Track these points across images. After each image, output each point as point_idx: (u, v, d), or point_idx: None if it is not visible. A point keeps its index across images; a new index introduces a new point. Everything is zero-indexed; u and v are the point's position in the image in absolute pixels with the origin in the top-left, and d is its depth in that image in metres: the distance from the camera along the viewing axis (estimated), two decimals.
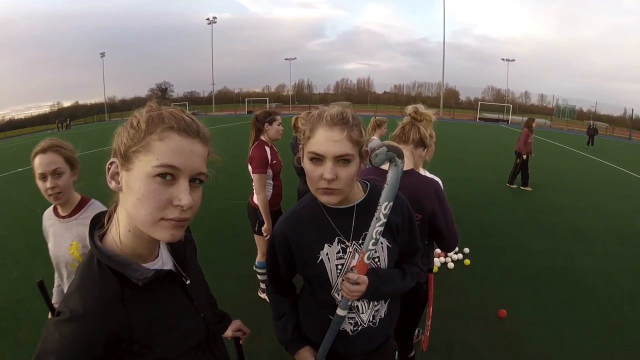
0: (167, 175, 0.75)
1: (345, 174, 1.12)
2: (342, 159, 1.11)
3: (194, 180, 0.79)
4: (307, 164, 1.16)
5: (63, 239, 1.67)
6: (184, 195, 0.76)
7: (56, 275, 1.78)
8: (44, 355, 0.71)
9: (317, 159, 1.12)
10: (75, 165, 1.67)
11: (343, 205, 1.25)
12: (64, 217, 1.69)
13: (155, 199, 0.74)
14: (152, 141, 0.75)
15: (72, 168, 1.65)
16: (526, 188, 8.31)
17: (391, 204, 1.17)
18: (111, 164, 0.80)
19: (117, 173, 0.79)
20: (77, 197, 1.72)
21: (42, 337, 0.74)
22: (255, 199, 3.12)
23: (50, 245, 1.72)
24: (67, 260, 1.67)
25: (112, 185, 0.79)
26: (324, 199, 1.17)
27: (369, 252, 1.18)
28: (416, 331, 2.80)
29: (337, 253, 1.24)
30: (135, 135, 0.76)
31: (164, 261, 0.92)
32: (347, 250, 1.24)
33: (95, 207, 1.71)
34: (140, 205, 0.75)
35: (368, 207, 1.23)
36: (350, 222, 1.25)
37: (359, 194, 1.28)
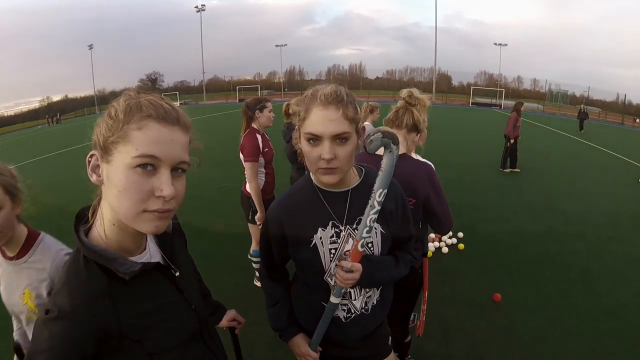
0: (147, 165, 0.72)
1: (343, 152, 1.11)
2: (339, 138, 1.10)
3: (176, 170, 0.77)
4: (304, 145, 1.15)
5: (14, 284, 1.35)
6: (165, 185, 0.73)
7: (13, 317, 1.48)
8: (34, 356, 0.69)
9: (315, 139, 1.11)
10: (17, 195, 1.30)
11: (338, 189, 1.24)
12: (11, 259, 1.34)
13: (136, 190, 0.72)
14: (130, 131, 0.72)
15: (14, 199, 1.29)
16: (514, 169, 8.48)
17: (385, 191, 1.16)
18: (91, 156, 0.77)
19: (98, 166, 0.76)
20: (23, 232, 1.35)
21: (32, 337, 0.73)
22: (248, 187, 3.10)
23: (1, 289, 1.40)
24: (22, 310, 1.35)
25: (93, 178, 0.77)
26: (324, 178, 1.15)
27: (362, 240, 1.17)
28: (412, 316, 2.82)
29: (331, 237, 1.24)
30: (113, 126, 0.73)
31: (152, 254, 0.90)
32: (341, 234, 1.24)
33: (46, 244, 1.37)
34: (121, 197, 0.72)
35: (363, 191, 1.23)
36: (344, 206, 1.24)
37: (354, 178, 1.28)
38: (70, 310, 0.71)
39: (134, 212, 0.73)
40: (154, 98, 0.77)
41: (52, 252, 1.34)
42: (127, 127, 0.72)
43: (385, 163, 1.15)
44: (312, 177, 1.28)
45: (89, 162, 0.77)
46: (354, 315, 1.33)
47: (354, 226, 1.23)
